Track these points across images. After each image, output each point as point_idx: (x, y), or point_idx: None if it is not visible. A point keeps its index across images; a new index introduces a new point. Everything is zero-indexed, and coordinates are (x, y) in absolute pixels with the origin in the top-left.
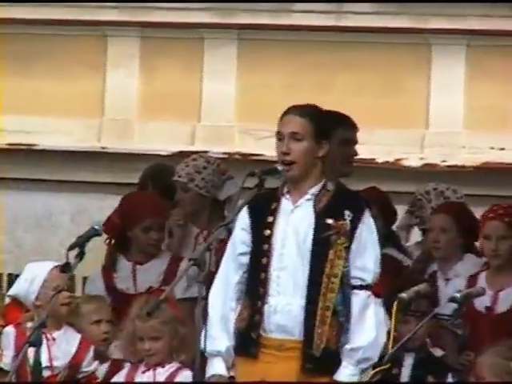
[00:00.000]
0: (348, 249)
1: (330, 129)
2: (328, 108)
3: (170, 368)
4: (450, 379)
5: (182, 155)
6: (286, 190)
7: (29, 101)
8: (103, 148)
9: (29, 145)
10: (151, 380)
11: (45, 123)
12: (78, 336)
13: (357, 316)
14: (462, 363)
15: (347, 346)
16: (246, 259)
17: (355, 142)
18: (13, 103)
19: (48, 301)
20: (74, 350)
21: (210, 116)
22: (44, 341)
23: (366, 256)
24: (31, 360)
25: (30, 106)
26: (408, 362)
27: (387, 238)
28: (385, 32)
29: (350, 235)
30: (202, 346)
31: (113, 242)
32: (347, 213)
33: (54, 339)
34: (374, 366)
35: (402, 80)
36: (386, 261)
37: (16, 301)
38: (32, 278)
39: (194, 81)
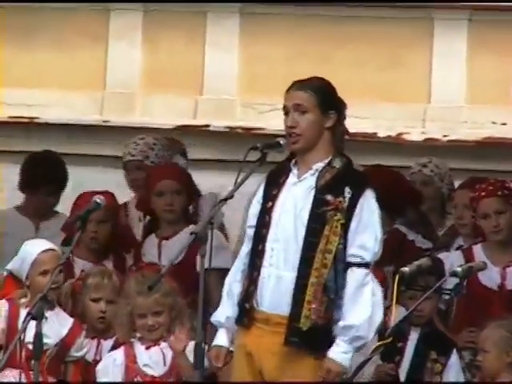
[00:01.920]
0: (344, 226)
1: (336, 99)
2: (331, 81)
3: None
4: (454, 356)
5: (185, 129)
6: (293, 162)
7: (30, 74)
8: (105, 121)
9: (30, 118)
10: (160, 355)
11: (46, 96)
12: (71, 320)
13: (352, 293)
14: (468, 340)
15: (340, 323)
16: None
17: (344, 119)
18: (14, 76)
19: (36, 283)
20: (64, 331)
21: (212, 89)
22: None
23: (365, 234)
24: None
25: (31, 79)
26: (413, 336)
27: (398, 214)
28: (387, 6)
29: (349, 213)
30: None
31: (146, 219)
32: (347, 190)
33: (45, 318)
34: (379, 339)
35: (403, 54)
36: (395, 235)
37: (13, 275)
38: (23, 258)
39: (197, 54)
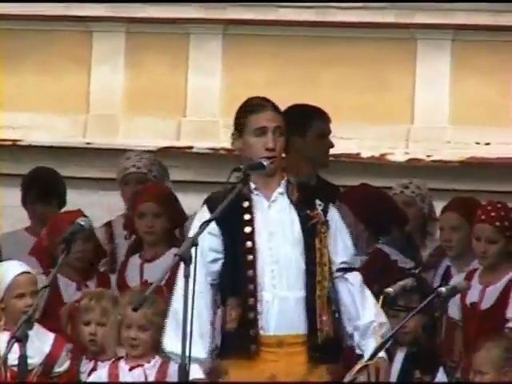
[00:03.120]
0: (327, 237)
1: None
2: (313, 103)
3: (155, 362)
4: (440, 374)
5: (168, 150)
6: (253, 186)
7: (14, 96)
8: (88, 144)
9: (14, 140)
10: (142, 377)
11: (30, 118)
12: (52, 335)
13: (362, 292)
14: (452, 360)
15: (375, 321)
16: (217, 266)
17: (330, 133)
18: None
19: (12, 306)
20: (47, 348)
21: (196, 111)
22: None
23: (345, 240)
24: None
25: (15, 102)
26: (399, 356)
27: (382, 234)
28: (370, 27)
29: (327, 223)
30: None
31: (131, 238)
32: (318, 202)
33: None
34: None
35: (387, 75)
36: (378, 255)
37: None
38: None
39: (180, 76)
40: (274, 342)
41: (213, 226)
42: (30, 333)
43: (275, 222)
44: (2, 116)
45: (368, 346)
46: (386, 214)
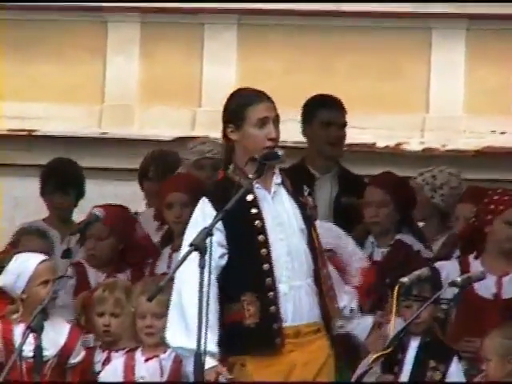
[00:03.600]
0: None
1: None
2: (329, 92)
3: (171, 352)
4: (454, 363)
5: (183, 140)
6: (254, 181)
7: (29, 87)
8: (104, 134)
9: (29, 131)
10: (157, 368)
11: (45, 109)
12: (67, 326)
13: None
14: (467, 350)
15: (348, 307)
16: (223, 262)
17: (341, 124)
18: (13, 89)
19: (35, 294)
20: (62, 339)
21: (211, 101)
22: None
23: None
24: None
25: (30, 92)
26: (413, 346)
27: (403, 223)
28: (385, 16)
29: (315, 208)
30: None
31: (164, 229)
32: (304, 187)
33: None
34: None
35: (402, 64)
36: (399, 247)
37: (1, 292)
38: (19, 273)
39: (195, 66)
40: (292, 333)
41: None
42: (46, 324)
43: (280, 213)
44: (18, 106)
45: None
46: (411, 197)
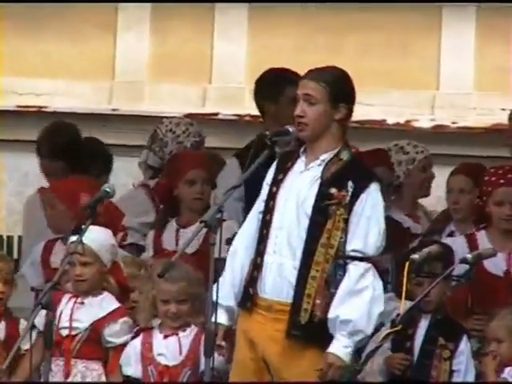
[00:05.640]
0: (346, 221)
1: (349, 91)
2: None
3: (191, 331)
4: (463, 342)
5: (193, 117)
6: (302, 149)
7: (40, 63)
8: (114, 110)
9: (39, 107)
10: (176, 345)
11: (55, 85)
12: (115, 306)
13: (350, 287)
14: (475, 328)
15: (339, 317)
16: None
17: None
18: (23, 66)
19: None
20: (101, 315)
21: (221, 78)
22: (70, 304)
23: (367, 228)
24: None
25: (40, 69)
26: (424, 323)
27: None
28: None
29: (350, 207)
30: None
31: (161, 206)
32: (350, 184)
33: (82, 303)
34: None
35: (412, 41)
36: (388, 224)
37: None
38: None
39: (205, 43)
40: (265, 305)
41: (271, 177)
42: (93, 299)
43: (296, 190)
44: (28, 83)
45: (334, 343)
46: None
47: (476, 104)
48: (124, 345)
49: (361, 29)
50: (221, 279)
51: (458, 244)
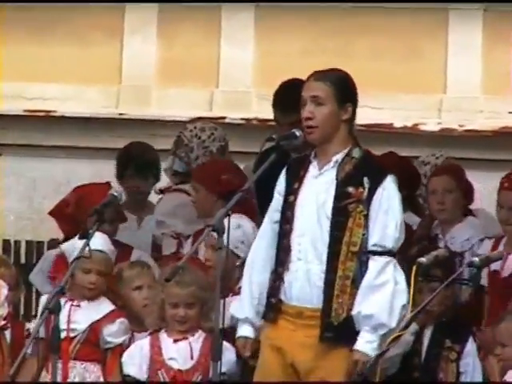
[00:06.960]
0: (366, 216)
1: (354, 91)
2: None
3: (200, 336)
4: (470, 343)
5: (200, 121)
6: (313, 155)
7: (47, 68)
8: (121, 114)
9: (47, 111)
10: (187, 349)
11: (63, 90)
12: (110, 308)
13: (371, 281)
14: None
15: (361, 313)
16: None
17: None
18: (31, 70)
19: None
20: (97, 317)
21: (228, 82)
22: (67, 306)
23: (385, 221)
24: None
25: (48, 73)
26: (430, 326)
27: (406, 202)
28: None
29: (368, 202)
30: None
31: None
32: (366, 180)
33: (78, 306)
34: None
35: (419, 45)
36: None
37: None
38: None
39: (212, 47)
40: (294, 312)
41: (282, 187)
42: (90, 303)
43: (315, 194)
44: (36, 87)
45: (359, 340)
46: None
47: (483, 107)
48: (122, 345)
49: (368, 33)
50: (241, 294)
51: (485, 247)
